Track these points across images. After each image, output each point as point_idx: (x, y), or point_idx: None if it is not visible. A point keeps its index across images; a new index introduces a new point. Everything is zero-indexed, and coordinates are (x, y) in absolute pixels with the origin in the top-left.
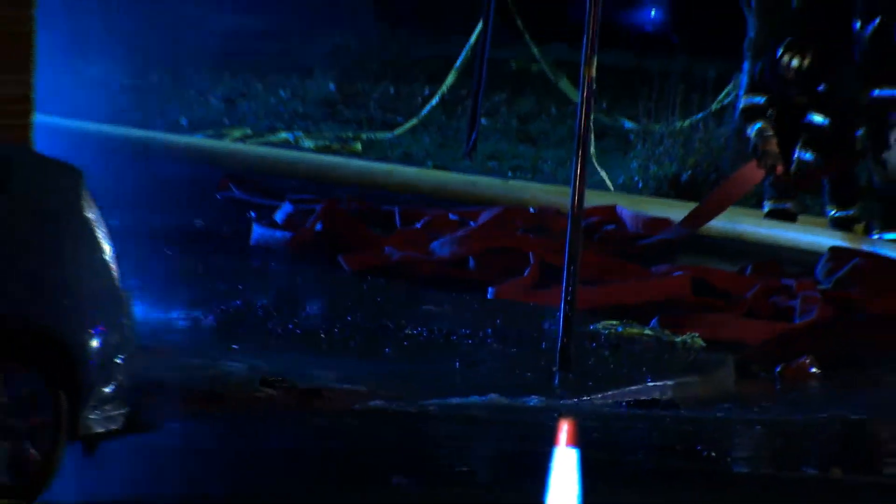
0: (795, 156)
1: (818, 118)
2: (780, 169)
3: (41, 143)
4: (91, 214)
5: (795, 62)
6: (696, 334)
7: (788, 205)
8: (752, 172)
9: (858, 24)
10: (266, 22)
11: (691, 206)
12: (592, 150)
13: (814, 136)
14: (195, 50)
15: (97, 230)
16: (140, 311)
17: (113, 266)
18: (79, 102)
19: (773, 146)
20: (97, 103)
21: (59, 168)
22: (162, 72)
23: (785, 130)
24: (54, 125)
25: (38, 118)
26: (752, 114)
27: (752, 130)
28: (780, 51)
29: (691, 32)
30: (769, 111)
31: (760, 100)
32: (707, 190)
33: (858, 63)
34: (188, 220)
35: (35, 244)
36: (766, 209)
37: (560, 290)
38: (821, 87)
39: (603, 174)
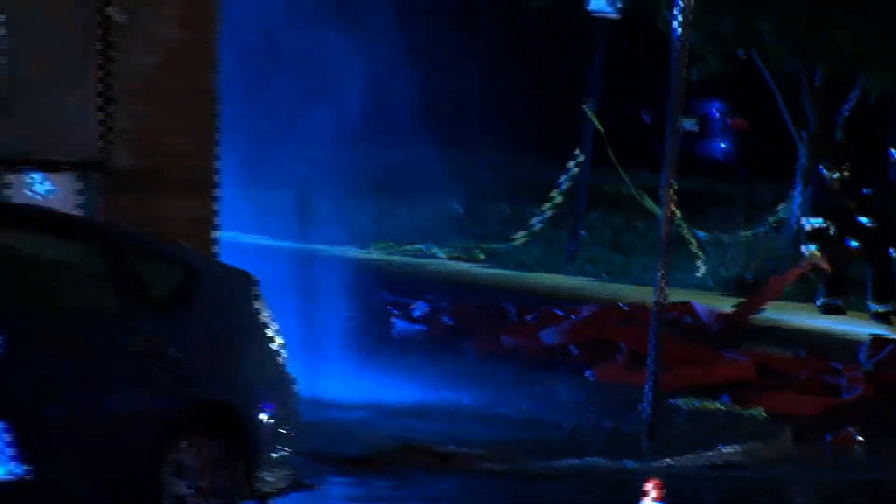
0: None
1: (865, 220)
2: (828, 266)
3: (222, 255)
4: (263, 312)
5: (837, 175)
6: (760, 408)
7: (838, 301)
8: (782, 280)
9: (894, 152)
10: (404, 154)
11: None
12: (699, 255)
13: (861, 234)
14: (348, 178)
15: (268, 325)
16: (303, 389)
17: (281, 354)
18: (253, 221)
19: (822, 265)
20: (268, 222)
21: (237, 275)
22: (320, 196)
23: (839, 233)
24: (233, 240)
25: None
26: (813, 235)
27: (807, 250)
28: (823, 169)
29: (753, 160)
30: (829, 232)
31: (820, 222)
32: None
33: (893, 180)
34: (343, 316)
35: (218, 337)
36: (819, 304)
37: (647, 373)
38: (865, 192)
39: (702, 269)
